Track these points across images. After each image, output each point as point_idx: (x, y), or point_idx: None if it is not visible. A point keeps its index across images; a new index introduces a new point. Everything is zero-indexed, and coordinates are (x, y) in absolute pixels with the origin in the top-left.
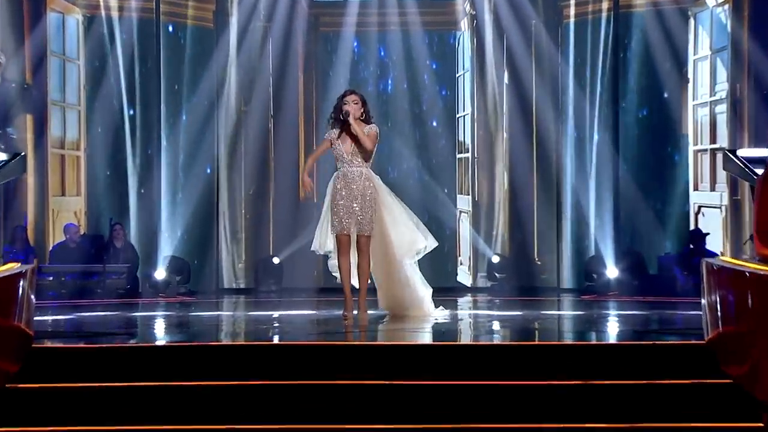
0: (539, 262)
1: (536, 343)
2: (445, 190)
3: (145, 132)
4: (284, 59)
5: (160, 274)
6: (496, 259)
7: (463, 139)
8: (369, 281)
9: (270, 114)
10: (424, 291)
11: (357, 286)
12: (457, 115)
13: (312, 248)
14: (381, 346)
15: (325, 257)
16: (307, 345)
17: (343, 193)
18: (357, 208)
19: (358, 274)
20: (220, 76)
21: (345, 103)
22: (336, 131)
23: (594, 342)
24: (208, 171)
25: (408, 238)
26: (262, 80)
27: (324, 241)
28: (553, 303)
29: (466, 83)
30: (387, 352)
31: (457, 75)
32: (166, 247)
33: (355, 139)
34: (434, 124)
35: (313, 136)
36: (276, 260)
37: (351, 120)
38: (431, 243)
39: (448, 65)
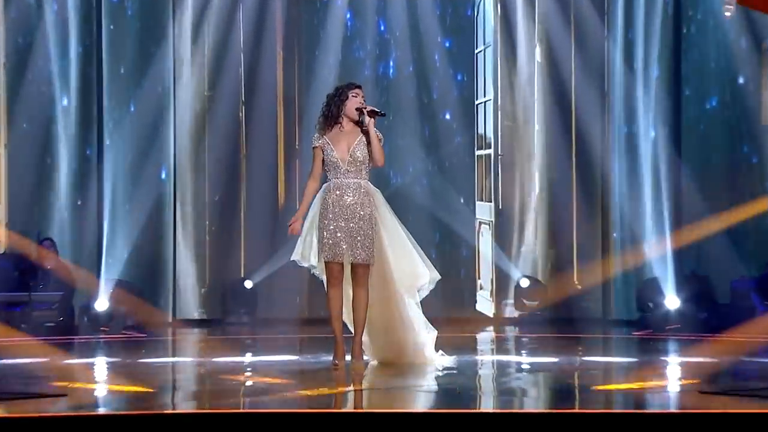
0: (580, 287)
1: (577, 411)
2: (462, 200)
3: (82, 127)
4: (259, 32)
5: (102, 303)
6: (525, 283)
7: (483, 132)
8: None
9: (241, 101)
10: (425, 336)
11: (351, 327)
12: (477, 102)
13: (292, 257)
14: (383, 415)
15: (312, 275)
16: (287, 414)
17: (336, 209)
18: (354, 230)
19: (354, 311)
20: (178, 54)
21: (353, 96)
22: (325, 138)
23: (654, 411)
24: (163, 176)
25: (410, 270)
26: (231, 59)
27: (308, 253)
28: (598, 343)
29: (488, 62)
30: (390, 424)
31: (476, 51)
32: (110, 269)
33: (355, 144)
34: (447, 116)
35: (296, 129)
36: (249, 284)
37: (371, 125)
38: (434, 276)
39: (465, 43)
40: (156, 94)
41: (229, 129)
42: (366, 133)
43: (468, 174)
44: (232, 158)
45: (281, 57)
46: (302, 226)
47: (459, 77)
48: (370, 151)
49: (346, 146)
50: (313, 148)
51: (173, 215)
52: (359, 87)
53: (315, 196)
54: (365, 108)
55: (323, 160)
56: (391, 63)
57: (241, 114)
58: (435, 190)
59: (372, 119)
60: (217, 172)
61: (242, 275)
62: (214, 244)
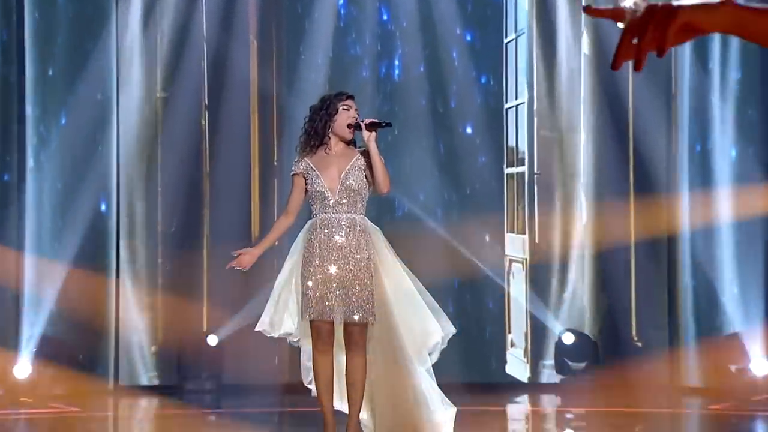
0: (640, 345)
1: None
2: (487, 235)
3: None
4: (227, 19)
5: (24, 368)
6: (569, 339)
7: (515, 145)
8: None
9: (204, 104)
10: (442, 414)
11: (343, 403)
12: (506, 106)
13: (258, 327)
14: None
15: (298, 347)
16: None
17: (324, 253)
18: (347, 279)
19: (348, 385)
20: (123, 49)
21: (344, 109)
22: (308, 162)
23: None
24: (103, 207)
25: (420, 329)
26: (191, 51)
27: (280, 318)
28: (664, 420)
29: (520, 54)
30: None
31: (505, 41)
32: (33, 323)
33: (347, 169)
34: (468, 130)
35: (273, 140)
36: (213, 341)
37: (371, 141)
38: (448, 330)
39: (492, 35)
40: (94, 101)
41: (188, 141)
42: (364, 153)
43: (495, 200)
44: (191, 178)
45: (255, 48)
46: (279, 284)
47: (483, 79)
48: (369, 176)
49: (336, 172)
50: (293, 175)
51: (116, 254)
52: (351, 97)
53: (281, 233)
54: (362, 121)
55: (306, 191)
56: (397, 62)
57: (203, 122)
58: (453, 223)
59: (373, 133)
60: (172, 196)
61: (204, 329)
62: (168, 290)
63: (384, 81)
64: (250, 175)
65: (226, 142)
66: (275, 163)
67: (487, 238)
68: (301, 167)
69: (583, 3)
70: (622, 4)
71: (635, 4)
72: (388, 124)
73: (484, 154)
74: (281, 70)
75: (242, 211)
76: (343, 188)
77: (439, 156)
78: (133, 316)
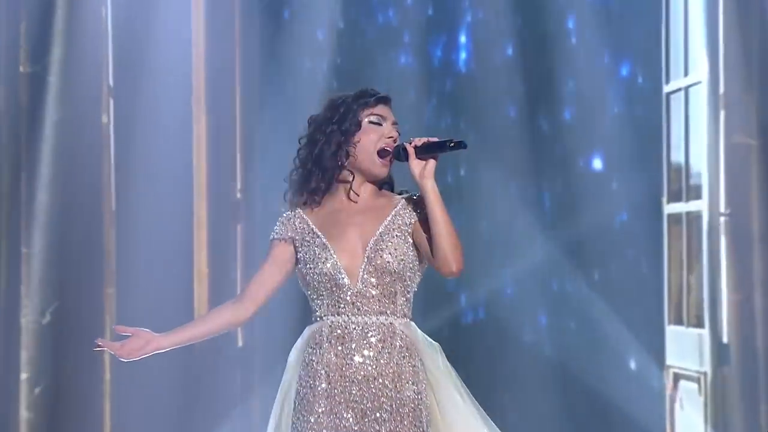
0: None
1: None
2: (631, 335)
3: None
4: None
5: None
6: None
7: (683, 162)
8: None
9: (105, 88)
10: None
11: None
12: (666, 91)
13: None
14: None
15: None
16: None
17: (337, 387)
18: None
19: None
20: None
21: (372, 122)
22: (305, 219)
23: None
24: None
25: None
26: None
27: None
28: None
29: (693, 11)
30: None
31: None
32: None
33: (379, 234)
34: (597, 165)
35: (236, 164)
36: None
37: (428, 174)
38: None
39: None
40: None
41: (78, 153)
42: (413, 202)
43: (645, 264)
44: (85, 230)
45: (200, 19)
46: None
47: (624, 70)
48: (422, 244)
49: (358, 239)
50: (273, 240)
51: None
52: (385, 101)
53: (217, 328)
54: (410, 143)
55: (300, 274)
56: (463, 38)
57: (105, 119)
58: (567, 327)
59: (430, 162)
60: (48, 264)
61: None
62: (38, 415)
63: (439, 73)
64: (191, 218)
65: (145, 159)
66: (238, 194)
67: (633, 337)
68: (290, 229)
69: None
70: None
71: None
72: (459, 145)
73: (624, 183)
74: (247, 42)
75: (176, 289)
76: (371, 269)
77: (541, 204)
78: None
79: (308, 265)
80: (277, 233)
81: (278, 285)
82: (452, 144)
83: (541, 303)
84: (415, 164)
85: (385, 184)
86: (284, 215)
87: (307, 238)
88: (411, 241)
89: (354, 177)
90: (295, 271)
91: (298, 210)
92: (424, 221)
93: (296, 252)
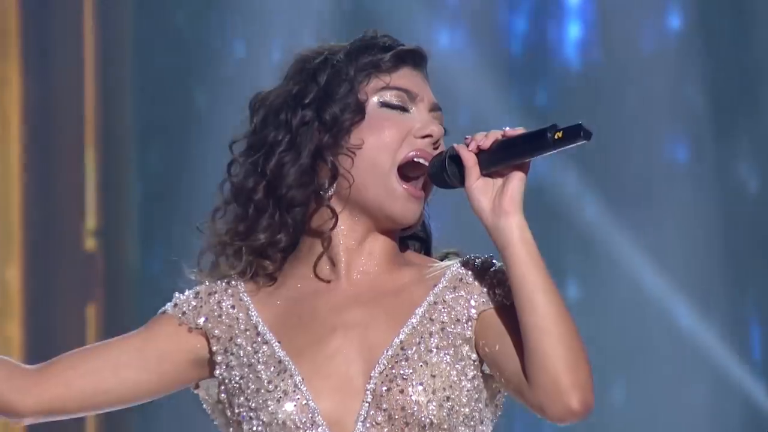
0: None
1: None
2: None
3: None
4: None
5: None
6: None
7: None
8: None
9: None
10: None
11: None
12: None
13: None
14: None
15: None
16: None
17: None
18: None
19: None
20: None
21: (391, 108)
22: (242, 294)
23: None
24: None
25: None
26: None
27: None
28: None
29: None
30: None
31: None
32: None
33: (421, 343)
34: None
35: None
36: None
37: (511, 218)
38: None
39: None
40: None
41: None
42: (477, 274)
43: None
44: None
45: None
46: None
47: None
48: (505, 360)
49: (354, 360)
50: (163, 313)
51: None
52: (417, 62)
53: None
54: (465, 145)
55: (221, 411)
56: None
57: None
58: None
59: (513, 180)
60: None
61: None
62: None
63: (535, 51)
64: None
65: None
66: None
67: None
68: (207, 311)
69: None
70: None
71: None
72: (583, 134)
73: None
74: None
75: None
76: (382, 419)
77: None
78: None
79: (242, 400)
80: (177, 307)
81: (120, 396)
82: (580, 136)
83: None
84: (481, 188)
85: (413, 239)
86: (204, 286)
87: (244, 345)
88: (472, 357)
89: (348, 219)
90: (197, 396)
91: (235, 282)
92: (505, 314)
93: (210, 362)
